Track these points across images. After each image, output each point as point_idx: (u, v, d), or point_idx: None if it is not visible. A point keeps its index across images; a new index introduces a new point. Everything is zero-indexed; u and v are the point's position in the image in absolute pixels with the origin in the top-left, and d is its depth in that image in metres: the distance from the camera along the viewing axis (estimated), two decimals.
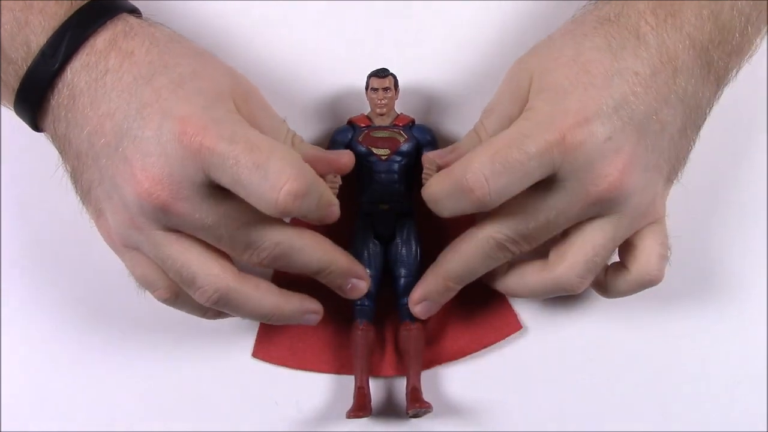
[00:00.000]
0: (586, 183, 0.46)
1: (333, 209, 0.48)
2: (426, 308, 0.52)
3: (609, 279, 0.50)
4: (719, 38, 0.48)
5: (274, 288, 0.50)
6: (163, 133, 0.45)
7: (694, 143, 0.49)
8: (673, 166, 0.48)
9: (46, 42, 0.46)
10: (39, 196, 0.55)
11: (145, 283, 0.50)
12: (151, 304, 0.52)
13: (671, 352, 0.55)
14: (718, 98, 0.50)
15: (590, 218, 0.48)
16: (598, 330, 0.55)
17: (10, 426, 0.55)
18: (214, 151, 0.44)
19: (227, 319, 0.52)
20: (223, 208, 0.46)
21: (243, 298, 0.48)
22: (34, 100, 0.48)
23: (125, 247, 0.49)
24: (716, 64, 0.48)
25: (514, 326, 0.55)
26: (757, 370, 0.54)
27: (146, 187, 0.45)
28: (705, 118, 0.49)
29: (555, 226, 0.47)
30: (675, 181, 0.50)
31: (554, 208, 0.47)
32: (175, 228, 0.47)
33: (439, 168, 0.50)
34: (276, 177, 0.44)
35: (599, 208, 0.47)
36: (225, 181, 0.45)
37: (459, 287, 0.51)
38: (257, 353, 0.55)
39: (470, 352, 0.55)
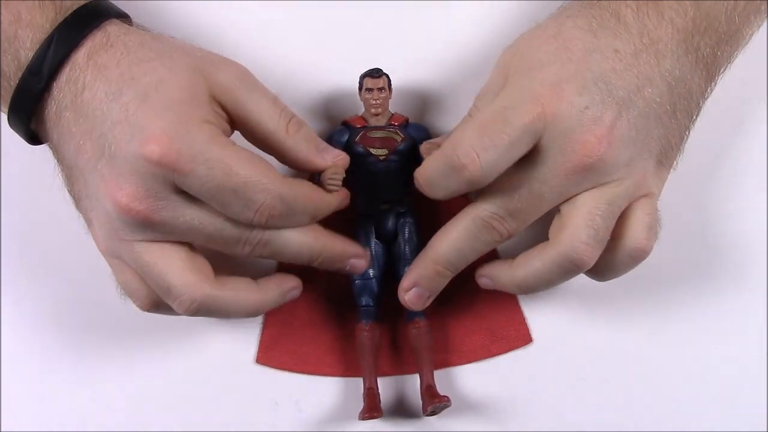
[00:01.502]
0: (565, 151, 0.46)
1: (322, 214, 0.49)
2: (417, 295, 0.51)
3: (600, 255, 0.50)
4: (704, 25, 0.48)
5: (251, 284, 0.49)
6: (132, 152, 0.45)
7: (689, 132, 0.50)
8: (663, 147, 0.48)
9: (32, 59, 0.46)
10: (39, 196, 0.55)
11: (126, 291, 0.50)
12: None
13: (671, 352, 0.55)
14: (712, 88, 0.50)
15: (581, 192, 0.47)
16: (603, 332, 0.55)
17: (10, 426, 0.54)
18: (190, 173, 0.45)
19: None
20: (207, 207, 0.46)
21: (222, 303, 0.48)
22: (24, 115, 0.48)
23: (111, 256, 0.49)
24: (703, 51, 0.49)
25: (525, 339, 0.55)
26: (757, 369, 0.55)
27: (124, 203, 0.45)
28: (698, 107, 0.50)
29: (541, 200, 0.47)
30: (671, 169, 0.50)
31: (537, 179, 0.47)
32: (162, 237, 0.47)
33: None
34: (253, 203, 0.46)
35: (584, 179, 0.47)
36: (202, 198, 0.46)
37: (450, 273, 0.50)
38: (261, 359, 0.55)
39: (478, 359, 0.55)
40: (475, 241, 0.49)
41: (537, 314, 0.55)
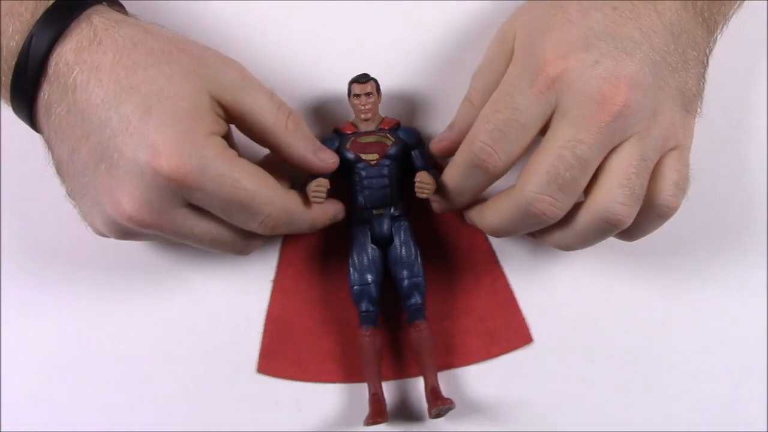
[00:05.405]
0: (589, 106, 0.46)
1: (321, 223, 0.52)
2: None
3: None
4: None
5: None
6: (139, 164, 0.45)
7: (705, 80, 0.49)
8: (684, 93, 0.48)
9: (18, 55, 0.46)
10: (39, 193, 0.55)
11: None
12: (150, 308, 0.54)
13: (672, 352, 0.55)
14: (713, 43, 0.50)
15: (614, 148, 0.47)
16: (603, 331, 0.55)
17: (10, 426, 0.54)
18: (199, 189, 0.46)
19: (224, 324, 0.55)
20: (207, 219, 0.48)
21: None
22: (24, 102, 0.47)
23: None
24: (699, 6, 0.49)
25: (526, 338, 0.55)
26: (757, 368, 0.55)
27: (128, 211, 0.46)
28: (706, 57, 0.49)
29: (584, 163, 0.47)
30: (697, 115, 0.49)
31: (573, 139, 0.46)
32: (165, 238, 0.49)
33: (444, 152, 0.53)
34: (258, 215, 0.48)
35: (617, 128, 0.46)
36: (210, 209, 0.47)
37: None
38: (262, 369, 0.55)
39: (479, 360, 0.55)
40: (523, 226, 0.49)
41: (536, 314, 0.55)
